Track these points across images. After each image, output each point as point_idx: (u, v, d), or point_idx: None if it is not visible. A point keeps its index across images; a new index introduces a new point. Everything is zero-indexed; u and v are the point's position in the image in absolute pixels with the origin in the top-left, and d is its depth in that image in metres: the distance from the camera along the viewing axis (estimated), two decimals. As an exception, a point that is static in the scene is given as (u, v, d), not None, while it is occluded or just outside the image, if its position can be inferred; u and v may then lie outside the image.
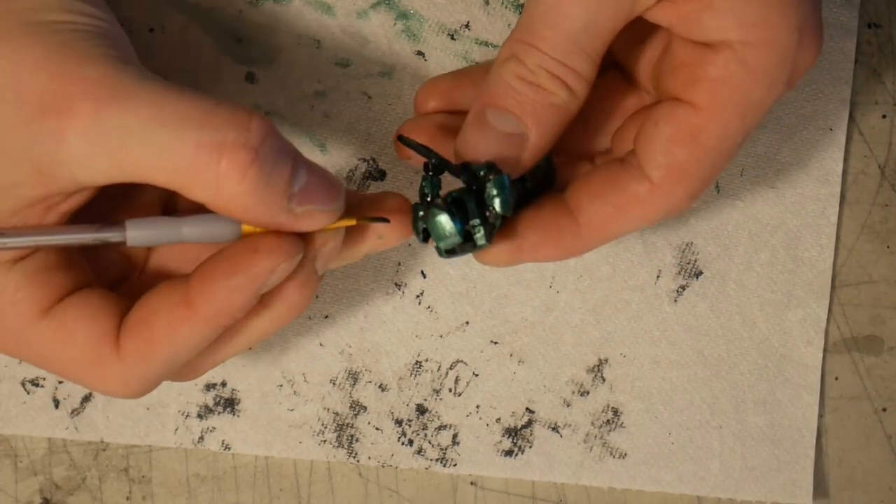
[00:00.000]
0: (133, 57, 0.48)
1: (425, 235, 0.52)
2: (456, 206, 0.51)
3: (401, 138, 0.52)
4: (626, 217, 0.51)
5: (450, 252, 0.52)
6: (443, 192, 0.52)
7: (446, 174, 0.52)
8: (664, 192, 0.50)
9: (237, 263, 0.48)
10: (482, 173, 0.51)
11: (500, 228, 0.52)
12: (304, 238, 0.49)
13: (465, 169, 0.51)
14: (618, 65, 0.56)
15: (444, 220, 0.51)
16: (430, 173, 0.52)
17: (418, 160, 0.53)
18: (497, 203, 0.51)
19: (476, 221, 0.51)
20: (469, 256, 0.53)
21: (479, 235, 0.51)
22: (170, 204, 0.54)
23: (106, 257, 0.53)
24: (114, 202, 0.51)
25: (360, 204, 0.52)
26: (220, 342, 0.51)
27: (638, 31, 0.54)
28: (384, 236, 0.52)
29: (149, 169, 0.46)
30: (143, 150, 0.46)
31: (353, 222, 0.50)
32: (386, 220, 0.51)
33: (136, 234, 0.49)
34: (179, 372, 0.52)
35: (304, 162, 0.48)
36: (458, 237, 0.51)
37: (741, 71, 0.48)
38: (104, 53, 0.47)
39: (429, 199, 0.52)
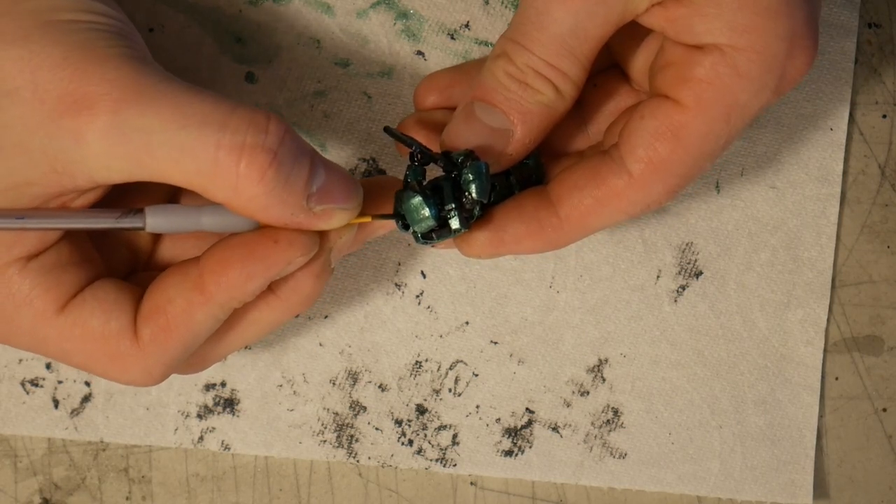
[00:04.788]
0: (149, 57, 0.49)
1: (404, 225, 0.52)
2: (432, 191, 0.51)
3: (385, 129, 0.53)
4: (605, 210, 0.52)
5: (426, 237, 0.52)
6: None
7: (433, 166, 0.53)
8: (643, 186, 0.51)
9: (255, 251, 0.49)
10: (460, 160, 0.51)
11: (479, 217, 0.52)
12: (320, 231, 0.50)
13: (444, 156, 0.52)
14: (617, 65, 0.57)
15: (418, 203, 0.51)
16: (416, 163, 0.52)
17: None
18: (473, 188, 0.51)
19: (451, 205, 0.51)
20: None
21: (454, 219, 0.51)
22: (174, 197, 0.54)
23: (114, 251, 0.53)
24: (119, 194, 0.52)
25: (367, 189, 0.52)
26: (231, 332, 0.52)
27: (635, 32, 0.54)
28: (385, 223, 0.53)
29: (168, 169, 0.47)
30: (164, 150, 0.46)
31: (368, 219, 0.51)
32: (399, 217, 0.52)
33: (156, 221, 0.49)
34: (190, 363, 0.53)
35: (323, 162, 0.49)
36: (432, 221, 0.51)
37: (728, 73, 0.49)
38: (123, 53, 0.47)
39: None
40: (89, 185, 0.48)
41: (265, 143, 0.47)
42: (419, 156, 0.52)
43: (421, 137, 0.53)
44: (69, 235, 0.50)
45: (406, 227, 0.52)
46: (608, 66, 0.56)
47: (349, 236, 0.51)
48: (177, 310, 0.49)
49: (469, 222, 0.52)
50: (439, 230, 0.52)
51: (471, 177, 0.51)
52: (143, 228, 0.49)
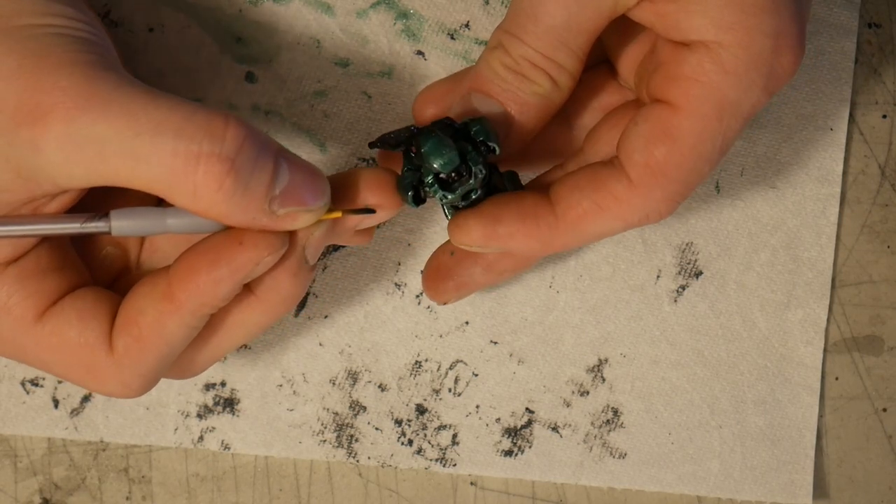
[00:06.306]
0: (114, 60, 0.48)
1: (415, 197, 0.51)
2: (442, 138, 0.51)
3: (371, 144, 0.52)
4: (604, 214, 0.51)
5: (445, 186, 0.51)
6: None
7: None
8: (642, 191, 0.50)
9: (220, 255, 0.48)
10: (466, 121, 0.51)
11: (481, 197, 0.52)
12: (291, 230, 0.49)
13: (449, 120, 0.51)
14: (608, 61, 0.57)
15: (439, 141, 0.50)
16: (413, 154, 0.52)
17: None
18: (484, 137, 0.51)
19: (469, 148, 0.51)
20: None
21: (478, 168, 0.51)
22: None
23: (102, 253, 0.53)
24: (108, 192, 0.51)
25: (342, 183, 0.52)
26: (216, 336, 0.52)
27: (628, 29, 0.54)
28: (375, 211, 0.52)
29: (126, 176, 0.46)
30: (119, 159, 0.45)
31: (338, 215, 0.50)
32: (372, 211, 0.51)
33: (121, 224, 0.49)
34: (179, 369, 0.52)
35: (288, 161, 0.48)
36: (456, 158, 0.50)
37: (714, 70, 0.49)
38: (80, 59, 0.46)
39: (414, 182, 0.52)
40: (56, 190, 0.47)
41: (222, 152, 0.46)
42: (415, 132, 0.51)
43: (435, 108, 0.53)
44: (48, 241, 0.50)
45: (417, 201, 0.51)
46: (595, 63, 0.56)
47: (321, 232, 0.50)
48: (148, 320, 0.49)
49: (490, 172, 0.51)
50: (460, 181, 0.51)
51: (478, 126, 0.51)
52: (108, 232, 0.49)
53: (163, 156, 0.45)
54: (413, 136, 0.52)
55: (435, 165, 0.51)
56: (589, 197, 0.51)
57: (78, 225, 0.48)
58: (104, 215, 0.49)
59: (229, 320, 0.51)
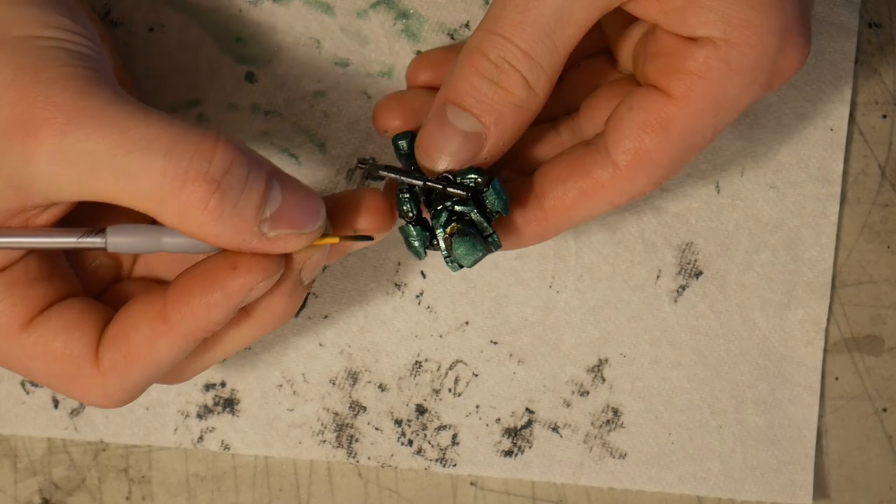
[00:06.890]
0: (108, 75, 0.48)
1: (423, 251, 0.52)
2: (464, 223, 0.51)
3: (362, 162, 0.52)
4: (590, 201, 0.51)
5: (458, 267, 0.52)
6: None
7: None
8: (628, 177, 0.50)
9: (215, 280, 0.48)
10: (476, 181, 0.51)
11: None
12: (286, 254, 0.49)
13: (451, 182, 0.51)
14: (607, 51, 0.56)
15: (473, 242, 0.51)
16: (406, 194, 0.51)
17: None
18: (499, 206, 0.51)
19: (489, 230, 0.51)
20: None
21: (495, 242, 0.51)
22: None
23: (94, 262, 0.53)
24: (99, 205, 0.51)
25: (339, 203, 0.51)
26: (206, 349, 0.51)
27: (630, 18, 0.54)
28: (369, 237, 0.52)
29: (116, 193, 0.46)
30: (110, 175, 0.45)
31: (335, 240, 0.50)
32: (370, 238, 0.51)
33: (117, 240, 0.49)
34: (168, 377, 0.52)
35: (282, 183, 0.48)
36: (481, 254, 0.51)
37: (720, 67, 0.49)
38: (76, 74, 0.46)
39: (413, 216, 0.52)
40: (46, 202, 0.47)
41: (207, 173, 0.46)
42: (408, 187, 0.51)
43: (399, 120, 0.53)
44: (38, 250, 0.50)
45: (422, 256, 0.52)
46: (596, 52, 0.56)
47: (318, 256, 0.50)
48: (139, 338, 0.49)
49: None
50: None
51: (494, 197, 0.51)
52: (104, 248, 0.49)
53: (152, 174, 0.45)
54: (427, 193, 0.52)
55: (465, 266, 0.51)
56: (574, 187, 0.51)
57: (74, 239, 0.48)
58: (101, 231, 0.48)
59: (222, 335, 0.51)
